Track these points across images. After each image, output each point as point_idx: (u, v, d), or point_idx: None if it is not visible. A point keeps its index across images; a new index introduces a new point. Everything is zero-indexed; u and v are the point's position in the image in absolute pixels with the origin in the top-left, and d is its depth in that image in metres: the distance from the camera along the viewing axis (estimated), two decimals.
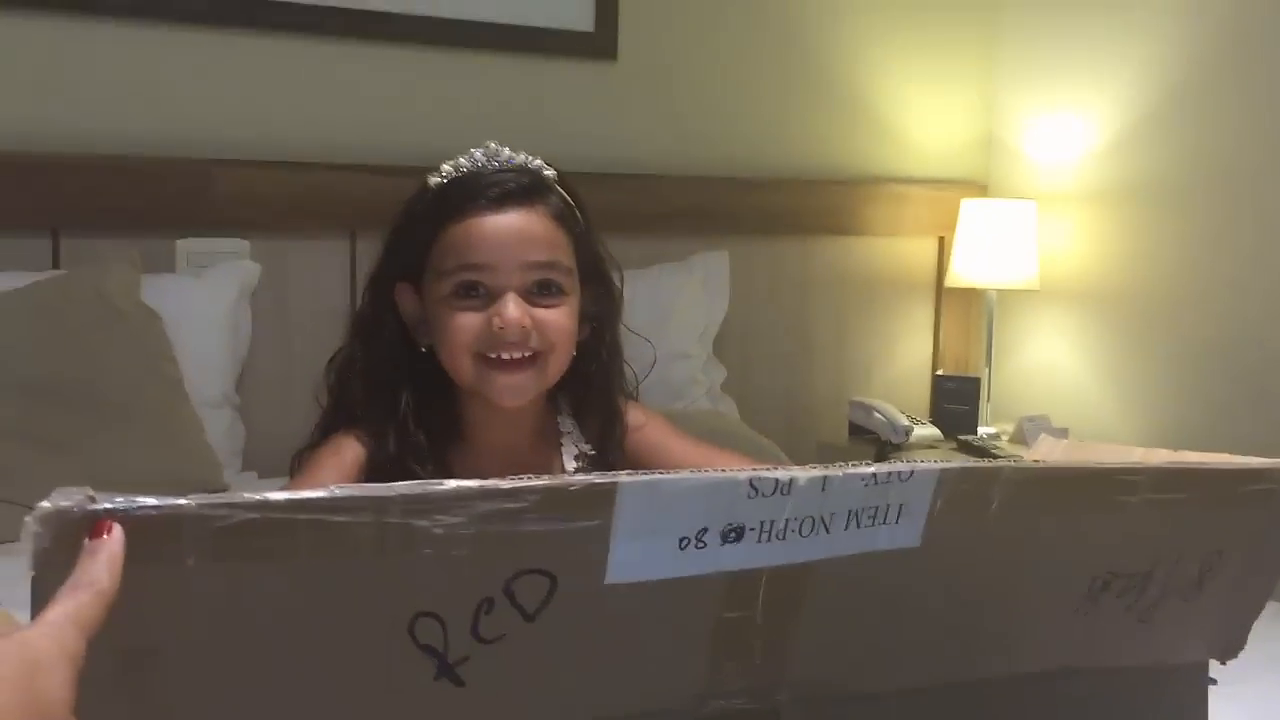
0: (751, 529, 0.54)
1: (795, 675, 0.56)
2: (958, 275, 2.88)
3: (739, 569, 0.54)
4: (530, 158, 1.17)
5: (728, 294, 2.61)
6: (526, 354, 1.12)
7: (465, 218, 1.12)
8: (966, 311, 3.06)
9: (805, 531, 0.55)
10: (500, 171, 1.14)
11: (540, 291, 1.13)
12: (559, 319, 1.13)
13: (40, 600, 0.47)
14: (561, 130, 2.42)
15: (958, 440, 2.77)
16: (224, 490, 1.84)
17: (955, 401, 2.87)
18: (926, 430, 2.78)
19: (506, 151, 1.16)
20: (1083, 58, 2.87)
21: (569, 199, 1.18)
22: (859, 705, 0.58)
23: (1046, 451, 0.83)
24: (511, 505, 0.50)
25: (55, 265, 1.99)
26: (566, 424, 1.21)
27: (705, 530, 0.54)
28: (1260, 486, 0.67)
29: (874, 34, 2.90)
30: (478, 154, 1.16)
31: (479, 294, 1.12)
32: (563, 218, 1.16)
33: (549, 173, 1.17)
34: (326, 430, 1.19)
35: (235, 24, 2.17)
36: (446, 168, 1.16)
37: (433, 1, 2.32)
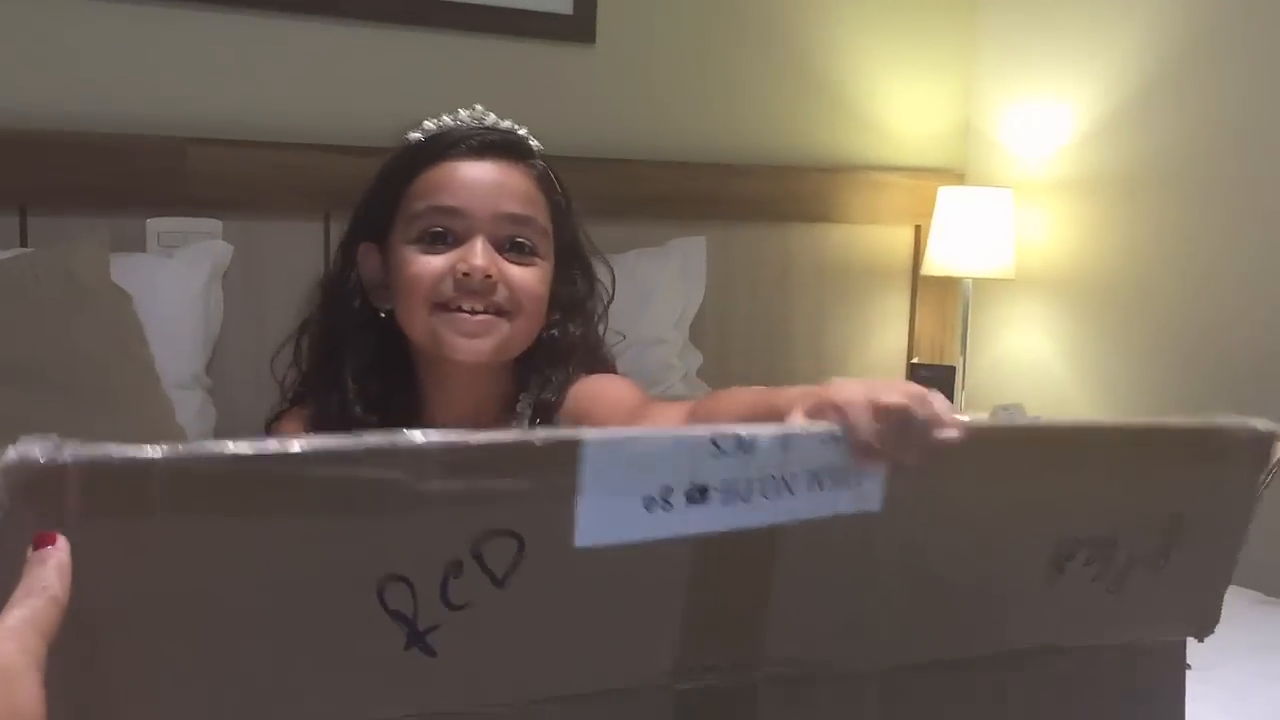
0: (715, 489, 0.55)
1: (770, 652, 0.56)
2: (934, 264, 2.88)
3: (705, 532, 0.54)
4: (516, 125, 1.14)
5: (704, 280, 2.60)
6: (490, 308, 1.05)
7: (441, 162, 1.08)
8: (942, 300, 3.07)
9: (768, 493, 0.56)
10: (482, 130, 1.11)
11: (512, 248, 1.07)
12: (528, 278, 1.07)
13: (4, 555, 0.45)
14: (539, 113, 2.37)
15: None
16: None
17: (930, 389, 2.87)
18: None
19: (492, 116, 1.13)
20: (1061, 48, 2.88)
21: (551, 172, 1.15)
22: (836, 684, 0.57)
23: None
24: (478, 456, 0.50)
25: (23, 243, 1.96)
26: (524, 404, 1.14)
27: (670, 490, 0.54)
28: (1217, 444, 0.67)
29: (854, 21, 2.90)
30: (462, 113, 1.12)
31: (447, 241, 1.06)
32: (544, 183, 1.12)
33: (534, 144, 1.14)
34: (291, 400, 1.16)
35: (211, 1, 2.14)
36: (429, 124, 1.12)
37: None
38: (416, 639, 0.51)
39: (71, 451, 0.45)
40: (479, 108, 1.14)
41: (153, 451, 0.46)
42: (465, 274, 1.04)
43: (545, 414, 1.13)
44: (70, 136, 2.01)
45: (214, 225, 2.12)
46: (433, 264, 1.06)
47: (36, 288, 1.82)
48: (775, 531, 0.56)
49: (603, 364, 1.20)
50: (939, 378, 2.88)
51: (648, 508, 0.53)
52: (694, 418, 1.03)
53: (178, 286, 2.01)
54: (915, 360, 3.03)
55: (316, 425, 1.09)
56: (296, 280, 2.20)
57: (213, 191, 2.11)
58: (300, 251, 2.18)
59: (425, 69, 2.33)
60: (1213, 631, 0.65)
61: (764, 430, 0.56)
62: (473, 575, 0.51)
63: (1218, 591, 0.66)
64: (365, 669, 0.50)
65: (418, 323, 1.08)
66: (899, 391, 0.63)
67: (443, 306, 1.06)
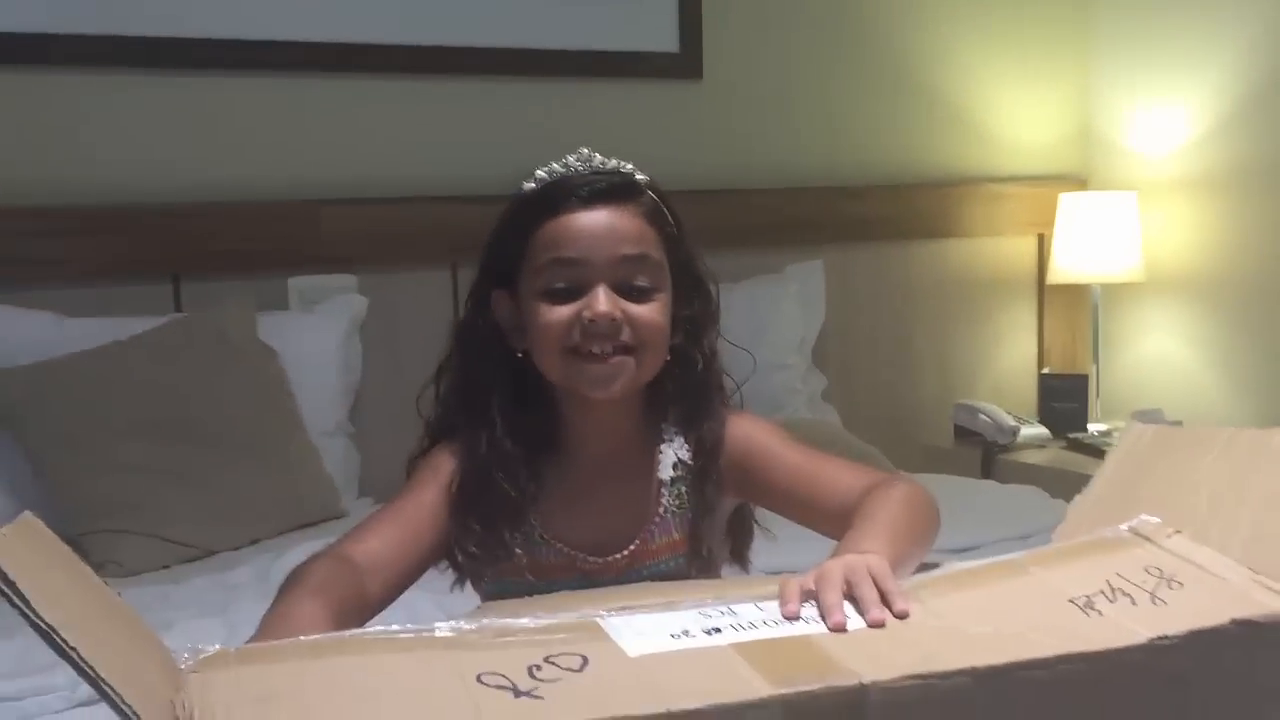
0: (725, 628, 0.67)
1: (861, 675, 0.60)
2: (1060, 271, 2.84)
3: (738, 642, 0.65)
4: (622, 163, 1.18)
5: (824, 303, 2.62)
6: (617, 348, 1.12)
7: (557, 215, 1.13)
8: (1070, 307, 3.02)
9: (774, 624, 0.68)
10: (593, 174, 1.16)
11: (632, 287, 1.13)
12: (650, 314, 1.13)
13: None
14: (652, 150, 2.42)
15: (1067, 439, 2.73)
16: (343, 516, 1.91)
17: (1063, 399, 2.82)
18: (1034, 430, 2.75)
19: (599, 157, 1.17)
20: (1179, 45, 2.82)
21: (661, 201, 1.18)
22: (945, 681, 0.59)
23: (1135, 439, 0.84)
24: (527, 633, 0.66)
25: (177, 308, 2.09)
26: (669, 431, 1.20)
27: (688, 630, 0.66)
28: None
29: (960, 35, 2.89)
30: (571, 159, 1.17)
31: (570, 289, 1.12)
32: (654, 216, 1.16)
33: (641, 177, 1.18)
34: (434, 437, 1.22)
35: (333, 69, 2.26)
36: (540, 173, 1.18)
37: (522, 33, 2.39)
38: (523, 694, 0.59)
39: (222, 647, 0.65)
40: (585, 150, 1.18)
41: (285, 642, 0.66)
42: (591, 320, 1.11)
43: (707, 455, 1.19)
44: (215, 207, 2.14)
45: (349, 280, 2.23)
46: (560, 314, 1.13)
47: (191, 349, 1.95)
48: (808, 636, 0.66)
49: (721, 387, 1.25)
50: (1071, 387, 2.83)
51: (675, 638, 0.65)
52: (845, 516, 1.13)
53: (319, 340, 2.12)
54: (1046, 370, 2.99)
55: (467, 459, 1.17)
56: (428, 326, 2.28)
57: (346, 248, 2.22)
58: (431, 299, 2.28)
59: (541, 116, 2.41)
60: None
61: (740, 603, 0.70)
62: (552, 670, 0.61)
63: (1268, 581, 0.67)
64: (483, 714, 0.57)
65: (552, 367, 1.15)
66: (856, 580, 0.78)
67: (573, 351, 1.13)
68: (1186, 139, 2.83)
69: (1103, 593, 0.66)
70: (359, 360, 2.20)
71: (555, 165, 1.17)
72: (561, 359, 1.13)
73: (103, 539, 1.73)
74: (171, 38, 2.12)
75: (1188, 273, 2.85)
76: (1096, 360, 2.89)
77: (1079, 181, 3.02)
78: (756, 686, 0.57)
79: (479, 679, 0.59)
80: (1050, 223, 2.87)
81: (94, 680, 0.53)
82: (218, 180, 2.18)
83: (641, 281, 1.13)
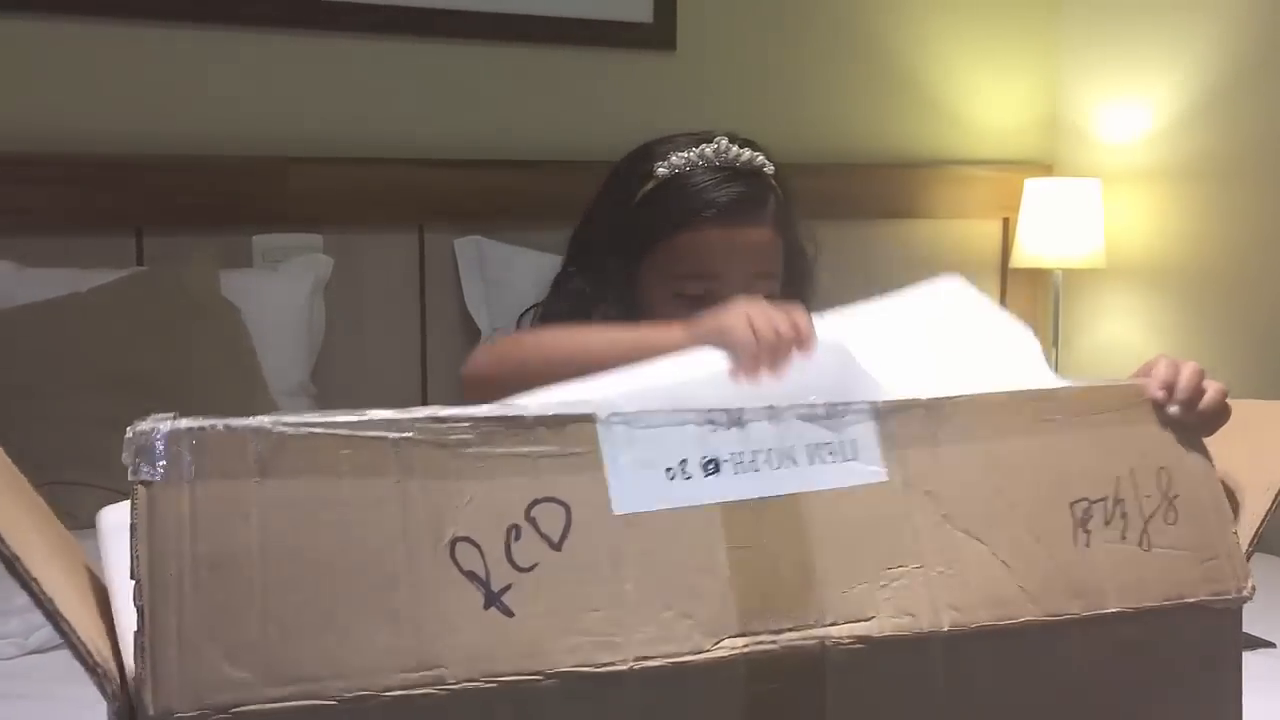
0: (725, 460, 0.61)
1: (828, 615, 0.59)
2: (1023, 255, 2.87)
3: (729, 500, 0.60)
4: (754, 155, 1.23)
5: None
6: None
7: (698, 228, 1.18)
8: (1033, 292, 3.05)
9: (775, 464, 0.62)
10: (729, 181, 1.20)
11: (756, 291, 1.18)
12: None
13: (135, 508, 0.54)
14: (621, 121, 2.45)
15: None
16: None
17: None
18: None
19: (734, 150, 1.22)
20: (1148, 35, 2.84)
21: (781, 195, 1.25)
22: (901, 648, 0.60)
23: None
24: (514, 421, 0.58)
25: (139, 262, 2.07)
26: None
27: (685, 461, 0.60)
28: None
29: (934, 16, 2.90)
30: (708, 150, 1.22)
31: (704, 293, 1.18)
32: (780, 221, 1.23)
33: (769, 169, 1.24)
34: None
35: (306, 26, 2.24)
36: (677, 160, 1.22)
37: None
38: (493, 599, 0.55)
39: (185, 423, 0.53)
40: (723, 142, 1.22)
41: (248, 422, 0.54)
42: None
43: None
44: (180, 160, 2.12)
45: (315, 240, 2.21)
46: (689, 315, 1.18)
47: (153, 304, 1.93)
48: (795, 499, 0.62)
49: None
50: None
51: (670, 477, 0.60)
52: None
53: (282, 299, 2.10)
54: None
55: None
56: (393, 289, 2.30)
57: (313, 207, 2.20)
58: (396, 262, 2.27)
59: (512, 83, 2.40)
60: (1249, 589, 0.66)
61: (750, 409, 0.63)
62: (531, 539, 0.57)
63: (1236, 543, 0.68)
64: (452, 627, 0.54)
65: None
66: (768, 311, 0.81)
67: None
68: (1151, 129, 2.86)
69: (1104, 501, 0.67)
70: (322, 321, 2.19)
71: (691, 154, 1.22)
72: None
73: (57, 491, 1.71)
74: None
75: (1147, 260, 2.88)
76: (1056, 344, 2.92)
77: (1044, 167, 3.04)
78: (724, 626, 0.57)
79: (453, 552, 0.55)
80: (1015, 207, 2.89)
81: (51, 615, 0.53)
82: (185, 134, 2.15)
83: (767, 290, 1.20)
